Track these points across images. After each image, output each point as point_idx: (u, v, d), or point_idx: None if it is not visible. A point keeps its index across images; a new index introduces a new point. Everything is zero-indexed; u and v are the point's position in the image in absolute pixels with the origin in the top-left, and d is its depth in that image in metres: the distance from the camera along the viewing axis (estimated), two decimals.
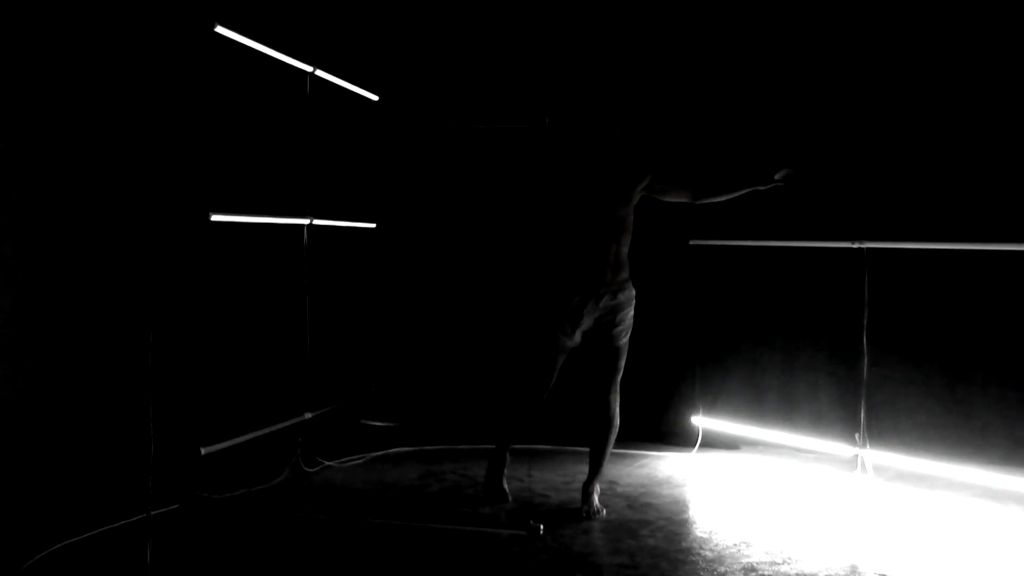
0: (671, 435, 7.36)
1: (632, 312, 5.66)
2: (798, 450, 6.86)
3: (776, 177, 5.58)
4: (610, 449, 5.75)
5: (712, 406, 7.24)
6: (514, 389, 5.82)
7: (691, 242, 7.26)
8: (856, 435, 6.39)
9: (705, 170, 6.14)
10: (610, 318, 5.58)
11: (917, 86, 6.37)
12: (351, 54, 7.39)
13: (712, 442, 7.14)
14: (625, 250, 5.64)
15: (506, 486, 5.92)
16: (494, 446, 5.95)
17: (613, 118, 5.62)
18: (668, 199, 5.80)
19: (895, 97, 6.44)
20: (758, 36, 7.03)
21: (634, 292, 5.68)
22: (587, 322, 5.60)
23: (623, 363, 5.72)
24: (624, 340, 5.67)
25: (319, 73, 6.74)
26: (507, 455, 5.94)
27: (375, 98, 7.69)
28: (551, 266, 5.73)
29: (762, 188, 5.67)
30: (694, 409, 7.26)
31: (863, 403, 6.36)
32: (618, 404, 5.73)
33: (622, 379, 5.73)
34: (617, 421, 5.73)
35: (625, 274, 5.65)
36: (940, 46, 6.27)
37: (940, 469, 6.05)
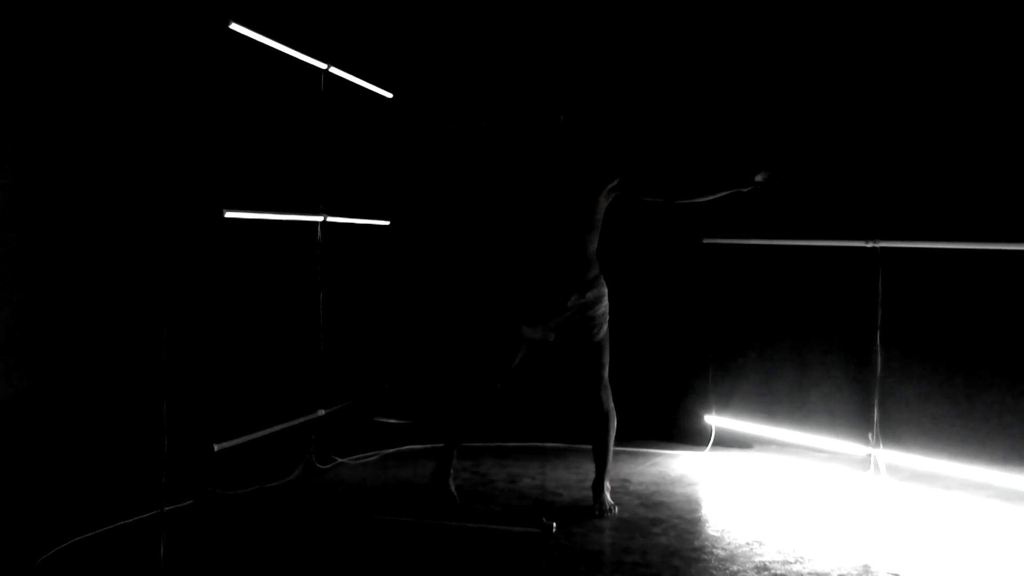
0: (684, 434, 7.35)
1: (605, 307, 5.59)
2: (811, 449, 6.84)
3: (757, 179, 5.53)
4: (612, 445, 5.72)
5: (725, 404, 7.22)
6: (467, 382, 5.80)
7: (705, 240, 7.25)
8: (869, 434, 6.37)
9: (685, 171, 6.10)
10: (580, 316, 5.53)
11: (933, 84, 6.35)
12: (366, 51, 7.40)
13: (725, 441, 7.13)
14: (592, 248, 5.55)
15: (453, 488, 5.80)
16: (442, 444, 5.86)
17: (624, 115, 5.60)
18: (645, 199, 5.75)
19: (910, 95, 6.42)
20: (773, 33, 7.01)
21: (605, 289, 5.60)
22: (554, 321, 5.55)
23: (607, 357, 5.67)
24: (601, 334, 5.60)
25: (333, 70, 6.74)
26: (455, 453, 5.82)
27: (389, 95, 7.70)
28: (523, 262, 5.69)
29: (745, 190, 5.62)
30: (707, 408, 7.25)
31: (876, 402, 6.34)
32: (611, 399, 5.69)
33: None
34: (614, 415, 5.71)
35: (595, 272, 5.57)
36: (957, 42, 6.25)
37: (954, 469, 6.02)
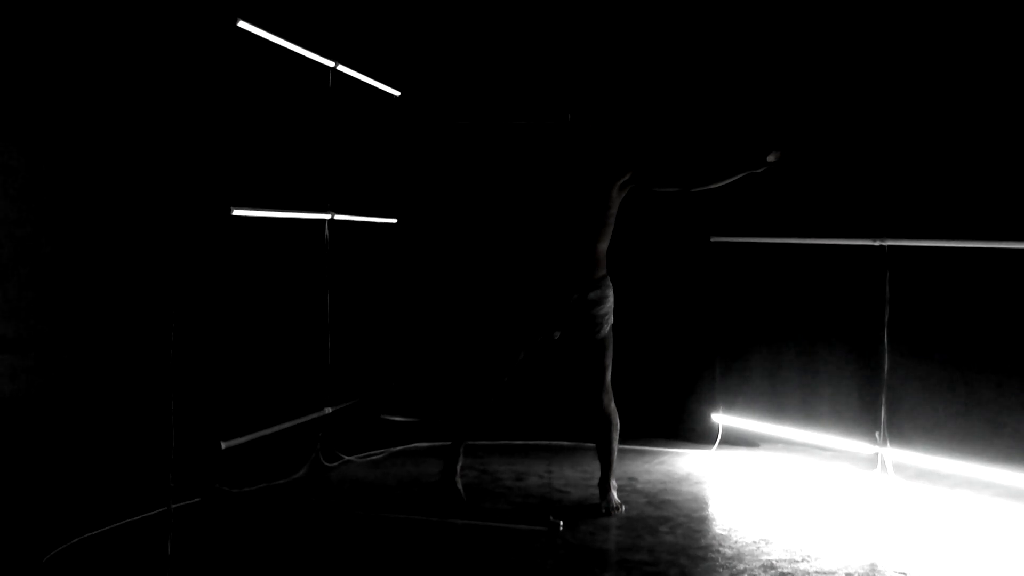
0: (691, 432, 7.35)
1: (608, 308, 5.55)
2: (818, 448, 6.84)
3: (769, 159, 5.51)
4: (615, 445, 5.71)
5: (732, 403, 7.22)
6: (474, 380, 5.79)
7: (712, 239, 7.24)
8: (876, 433, 6.37)
9: (697, 158, 6.09)
10: (582, 314, 5.50)
11: (940, 82, 6.33)
12: (373, 49, 7.40)
13: (732, 439, 7.13)
14: (602, 247, 5.54)
15: (460, 486, 5.80)
16: (449, 442, 5.88)
17: (632, 107, 5.56)
18: (659, 190, 5.72)
19: (918, 93, 6.41)
20: (780, 30, 7.01)
21: (610, 292, 5.56)
22: (557, 317, 5.54)
23: (610, 359, 5.63)
24: (604, 333, 5.56)
25: (341, 68, 6.74)
26: (462, 451, 5.82)
27: (397, 93, 7.70)
28: (529, 258, 5.68)
29: (758, 171, 5.59)
30: (714, 406, 7.25)
31: (883, 401, 6.34)
32: (612, 401, 5.66)
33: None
34: (616, 417, 5.68)
35: (601, 272, 5.55)
36: (965, 41, 6.24)
37: (960, 468, 6.02)
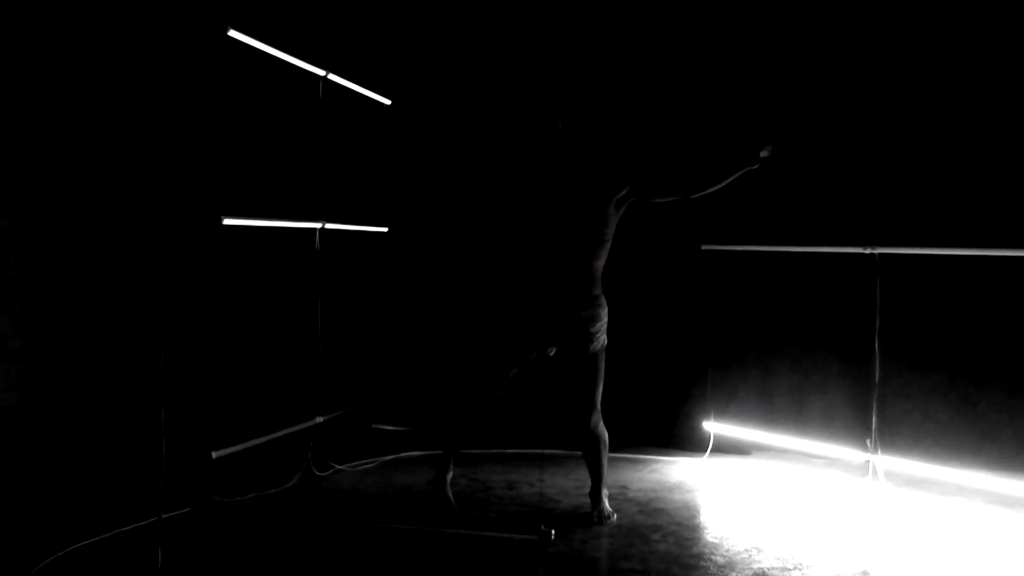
0: (682, 440, 7.35)
1: (600, 326, 5.51)
2: (809, 455, 6.84)
3: (762, 154, 5.50)
4: (605, 460, 5.68)
5: (724, 411, 7.22)
6: (466, 390, 5.78)
7: (703, 247, 7.24)
8: (868, 440, 6.37)
9: (692, 165, 6.10)
10: (575, 330, 5.47)
11: (930, 90, 6.35)
12: (364, 58, 7.40)
13: (723, 447, 7.13)
14: (598, 264, 5.50)
15: (450, 494, 5.77)
16: (441, 451, 5.86)
17: (622, 119, 5.55)
18: (658, 201, 5.72)
19: (908, 101, 6.42)
20: (769, 37, 7.02)
21: (603, 311, 5.52)
22: (551, 337, 5.53)
23: (601, 378, 5.59)
24: (595, 348, 5.53)
25: (332, 77, 6.74)
26: (453, 460, 5.80)
27: (387, 102, 7.70)
28: (522, 271, 5.68)
29: (754, 168, 5.58)
30: (705, 414, 7.25)
31: (875, 408, 6.34)
32: (601, 421, 5.62)
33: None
34: (605, 434, 5.65)
35: (596, 291, 5.51)
36: (954, 48, 6.25)
37: (952, 475, 6.03)
